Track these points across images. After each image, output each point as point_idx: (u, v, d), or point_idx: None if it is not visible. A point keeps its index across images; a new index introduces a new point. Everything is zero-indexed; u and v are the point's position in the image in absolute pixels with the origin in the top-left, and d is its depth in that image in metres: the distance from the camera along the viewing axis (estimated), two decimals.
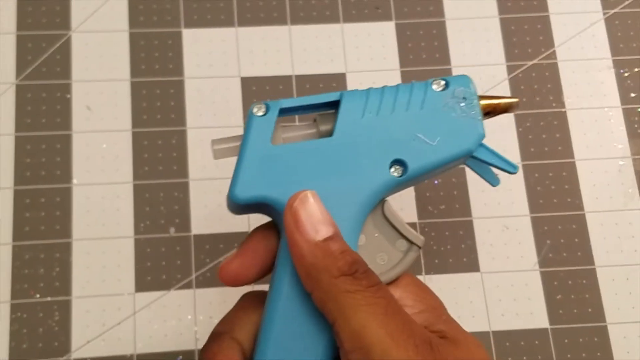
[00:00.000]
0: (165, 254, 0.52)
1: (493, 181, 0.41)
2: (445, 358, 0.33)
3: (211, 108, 0.56)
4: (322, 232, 0.34)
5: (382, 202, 0.39)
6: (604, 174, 0.55)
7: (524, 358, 0.51)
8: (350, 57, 0.58)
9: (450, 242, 0.54)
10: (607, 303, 0.53)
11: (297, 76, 0.57)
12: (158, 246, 0.52)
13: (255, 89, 0.56)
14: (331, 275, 0.33)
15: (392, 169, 0.38)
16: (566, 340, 0.52)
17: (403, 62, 0.58)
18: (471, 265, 0.53)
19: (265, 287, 0.37)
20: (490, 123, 0.56)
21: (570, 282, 0.53)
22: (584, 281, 0.53)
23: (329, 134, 0.38)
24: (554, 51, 0.58)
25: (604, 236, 0.54)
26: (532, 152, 0.56)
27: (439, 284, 0.52)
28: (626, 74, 0.58)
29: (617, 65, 0.58)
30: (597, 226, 0.54)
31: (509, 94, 0.57)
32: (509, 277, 0.53)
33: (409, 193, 0.55)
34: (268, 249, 0.38)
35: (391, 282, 0.38)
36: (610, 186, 0.55)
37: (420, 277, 0.52)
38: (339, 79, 0.57)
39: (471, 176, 0.55)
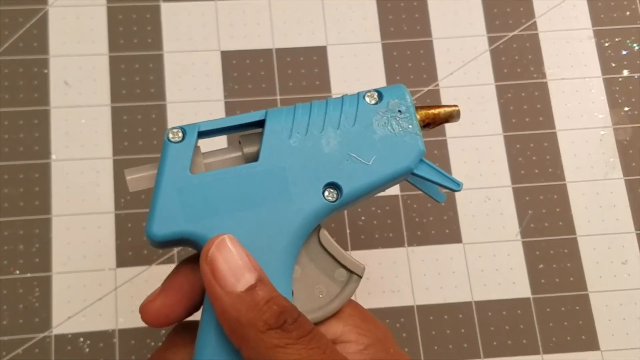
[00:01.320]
0: None
1: (437, 197, 0.39)
2: None
3: (191, 82, 0.55)
4: (243, 280, 0.31)
5: (317, 229, 0.36)
6: (585, 143, 0.55)
7: (506, 327, 0.51)
8: (331, 30, 0.57)
9: (432, 214, 0.54)
10: (588, 272, 0.53)
11: (277, 49, 0.57)
12: (139, 221, 0.52)
13: (235, 63, 0.56)
14: (258, 330, 0.30)
15: (326, 193, 0.35)
16: (548, 309, 0.52)
17: (384, 34, 0.57)
18: (453, 236, 0.53)
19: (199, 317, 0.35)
20: (472, 95, 0.56)
21: (552, 251, 0.53)
22: (566, 250, 0.53)
23: (255, 157, 0.35)
24: (535, 22, 0.58)
25: (586, 206, 0.54)
26: (514, 123, 0.56)
27: (421, 255, 0.52)
28: (607, 44, 0.58)
29: (598, 35, 0.58)
30: (579, 196, 0.54)
31: (490, 66, 0.57)
32: (491, 247, 0.53)
33: None
34: (195, 284, 0.35)
35: (332, 315, 0.35)
36: (591, 156, 0.55)
37: (403, 250, 0.52)
38: (319, 52, 0.57)
39: (453, 148, 0.55)
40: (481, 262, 0.53)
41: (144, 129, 0.54)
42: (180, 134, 0.35)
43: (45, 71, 0.55)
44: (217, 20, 0.57)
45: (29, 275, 0.50)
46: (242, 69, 0.56)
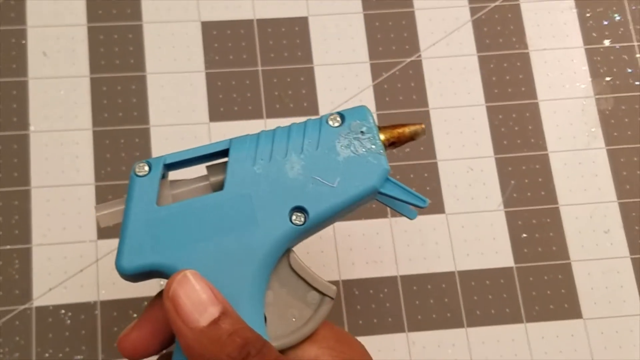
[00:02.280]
0: None
1: (409, 214, 0.39)
2: None
3: (171, 53, 0.55)
4: (206, 314, 0.31)
5: (287, 253, 0.36)
6: (567, 113, 0.56)
7: (490, 297, 0.51)
8: (312, 0, 0.57)
9: (415, 185, 0.53)
10: (570, 241, 0.53)
11: (258, 20, 0.56)
12: (120, 193, 0.51)
13: (216, 34, 0.55)
14: None
15: (293, 217, 0.35)
16: (531, 278, 0.52)
17: (366, 4, 0.57)
18: (436, 207, 0.53)
19: None
20: (454, 65, 0.56)
21: (534, 221, 0.53)
22: (548, 220, 0.53)
23: (222, 185, 0.36)
24: None
25: (568, 175, 0.54)
26: (496, 93, 0.56)
27: (404, 226, 0.52)
28: (588, 14, 0.58)
29: (579, 5, 0.58)
30: (561, 166, 0.54)
31: (473, 37, 0.56)
32: (473, 217, 0.53)
33: None
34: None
35: (307, 338, 0.35)
36: (573, 126, 0.55)
37: (386, 221, 0.52)
38: (301, 23, 0.56)
39: (435, 119, 0.55)
40: (464, 233, 0.53)
41: (124, 100, 0.53)
42: (146, 168, 0.36)
43: (23, 42, 0.54)
44: None
45: (8, 247, 0.50)
46: (222, 40, 0.55)
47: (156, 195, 0.35)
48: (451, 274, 0.52)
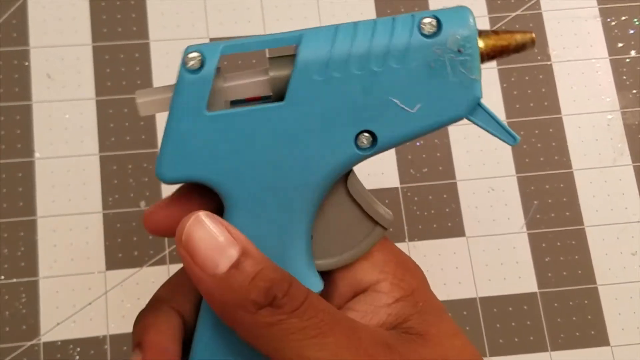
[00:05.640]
0: (137, 228, 0.50)
1: (508, 140, 0.32)
2: (406, 358, 0.29)
3: None
4: (225, 258, 0.28)
5: (347, 173, 0.33)
6: (592, 129, 0.53)
7: (513, 324, 0.50)
8: (323, 4, 0.55)
9: (434, 207, 0.51)
10: (597, 264, 0.51)
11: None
12: (128, 221, 0.50)
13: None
14: (248, 312, 0.28)
15: (359, 141, 0.31)
16: (556, 304, 0.50)
17: (380, 13, 0.55)
18: (456, 229, 0.51)
19: None
20: None
21: (559, 243, 0.51)
22: (573, 242, 0.51)
23: (283, 83, 0.30)
24: (539, 1, 0.56)
25: (593, 194, 0.52)
26: (518, 108, 0.53)
27: (423, 250, 0.50)
28: (613, 23, 0.55)
29: (604, 14, 0.55)
30: (586, 184, 0.52)
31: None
32: (495, 240, 0.51)
33: (390, 156, 0.52)
34: (204, 203, 0.32)
35: (365, 260, 0.33)
36: (598, 141, 0.53)
37: (404, 245, 0.50)
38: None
39: (455, 136, 0.53)
40: (485, 256, 0.51)
41: (131, 123, 0.51)
42: (199, 60, 0.30)
43: (26, 64, 0.52)
44: (205, 6, 0.54)
45: (14, 280, 0.48)
46: (232, 57, 0.53)
47: (207, 99, 0.30)
48: (472, 300, 0.50)
